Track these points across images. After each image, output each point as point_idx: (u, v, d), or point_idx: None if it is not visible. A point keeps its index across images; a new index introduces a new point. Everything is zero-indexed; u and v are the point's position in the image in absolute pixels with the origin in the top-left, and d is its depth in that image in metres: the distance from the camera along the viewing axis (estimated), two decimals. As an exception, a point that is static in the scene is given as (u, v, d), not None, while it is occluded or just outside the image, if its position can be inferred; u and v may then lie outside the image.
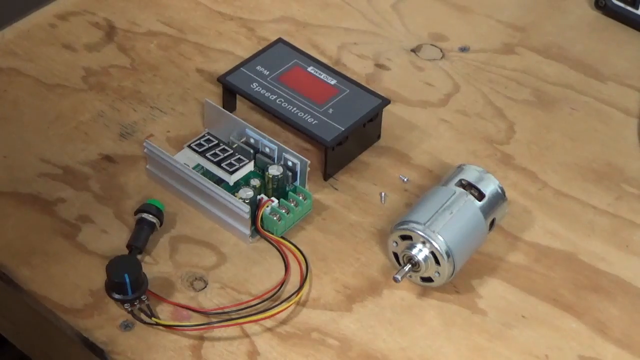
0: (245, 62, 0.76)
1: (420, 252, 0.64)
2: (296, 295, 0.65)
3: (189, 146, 0.71)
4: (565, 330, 0.65)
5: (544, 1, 0.88)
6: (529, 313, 0.66)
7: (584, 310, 0.66)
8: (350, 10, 0.86)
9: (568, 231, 0.71)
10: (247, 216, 0.67)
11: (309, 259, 0.67)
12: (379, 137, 0.75)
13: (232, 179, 0.69)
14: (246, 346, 0.63)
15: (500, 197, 0.68)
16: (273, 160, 0.71)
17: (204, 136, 0.71)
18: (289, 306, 0.65)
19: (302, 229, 0.69)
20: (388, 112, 0.75)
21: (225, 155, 0.70)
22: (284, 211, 0.68)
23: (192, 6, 0.85)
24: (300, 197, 0.69)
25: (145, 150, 0.71)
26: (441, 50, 0.83)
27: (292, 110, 0.72)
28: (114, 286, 0.63)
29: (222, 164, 0.69)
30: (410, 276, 0.66)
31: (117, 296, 0.63)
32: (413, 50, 0.83)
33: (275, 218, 0.67)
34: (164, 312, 0.64)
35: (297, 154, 0.70)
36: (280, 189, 0.69)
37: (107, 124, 0.75)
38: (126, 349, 0.62)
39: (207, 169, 0.70)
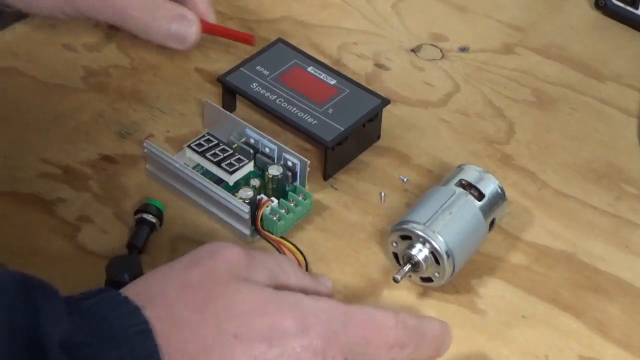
0: (245, 62, 0.76)
1: (420, 252, 0.64)
2: (296, 296, 0.65)
3: (189, 146, 0.71)
4: (565, 330, 0.65)
5: (544, 1, 0.88)
6: (529, 313, 0.66)
7: (584, 310, 0.66)
8: (350, 10, 0.86)
9: (568, 231, 0.71)
10: (247, 216, 0.67)
11: (309, 259, 0.67)
12: (378, 137, 0.75)
13: (232, 179, 0.69)
14: (246, 346, 0.63)
15: (500, 197, 0.68)
16: (273, 160, 0.71)
17: (203, 136, 0.71)
18: (288, 306, 0.65)
19: (302, 229, 0.69)
20: (388, 112, 0.75)
21: (225, 155, 0.70)
22: (283, 211, 0.68)
23: (192, 6, 0.85)
24: (300, 197, 0.69)
25: (145, 150, 0.71)
26: (441, 50, 0.83)
27: (292, 110, 0.72)
28: (114, 286, 0.63)
29: (222, 164, 0.69)
30: (410, 276, 0.65)
31: (117, 296, 0.63)
32: (413, 50, 0.83)
33: (275, 218, 0.67)
34: (164, 312, 0.64)
35: (297, 154, 0.70)
36: (280, 189, 0.69)
37: (107, 124, 0.75)
38: (126, 349, 0.62)
39: (207, 169, 0.70)
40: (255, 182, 0.69)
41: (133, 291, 0.51)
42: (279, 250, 0.67)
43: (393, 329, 0.54)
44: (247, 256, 0.54)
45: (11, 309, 0.46)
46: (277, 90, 0.74)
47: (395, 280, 0.64)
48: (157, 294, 0.51)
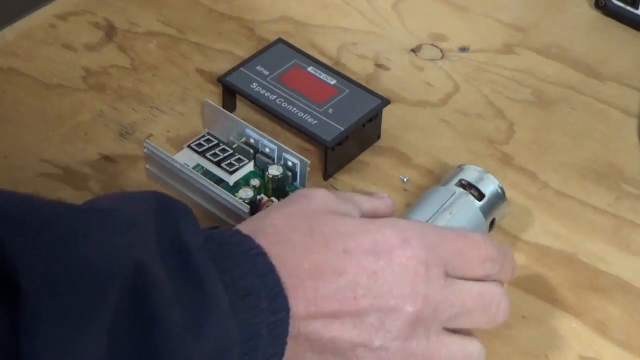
0: (245, 62, 0.76)
1: (420, 252, 0.64)
2: (296, 295, 0.65)
3: (189, 146, 0.71)
4: (565, 330, 0.65)
5: (544, 1, 0.88)
6: (529, 313, 0.66)
7: (584, 310, 0.66)
8: (350, 10, 0.86)
9: (568, 231, 0.71)
10: (247, 216, 0.67)
11: (309, 258, 0.67)
12: (378, 137, 0.75)
13: (232, 179, 0.69)
14: (246, 346, 0.63)
15: (500, 197, 0.68)
16: (273, 160, 0.71)
17: (203, 136, 0.71)
18: (289, 306, 0.65)
19: (302, 229, 0.69)
20: (388, 112, 0.75)
21: (225, 155, 0.70)
22: (283, 211, 0.68)
23: (192, 6, 0.85)
24: (300, 197, 0.69)
25: (145, 150, 0.71)
26: (441, 50, 0.83)
27: (292, 110, 0.72)
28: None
29: (222, 164, 0.69)
30: (410, 276, 0.65)
31: (117, 296, 0.63)
32: (413, 50, 0.83)
33: (275, 218, 0.67)
34: (164, 312, 0.64)
35: (297, 154, 0.70)
36: (280, 189, 0.69)
37: (107, 124, 0.75)
38: (126, 349, 0.62)
39: (207, 169, 0.70)
40: (255, 182, 0.69)
41: (241, 227, 0.55)
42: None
43: (483, 244, 0.57)
44: (335, 195, 0.58)
45: (155, 217, 0.50)
46: (277, 90, 0.74)
47: (396, 280, 0.64)
48: (264, 226, 0.55)
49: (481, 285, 0.57)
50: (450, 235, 0.57)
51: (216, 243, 0.52)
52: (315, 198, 0.57)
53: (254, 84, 0.74)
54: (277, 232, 0.54)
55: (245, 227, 0.55)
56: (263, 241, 0.53)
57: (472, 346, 0.57)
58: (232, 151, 0.70)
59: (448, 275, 0.56)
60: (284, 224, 0.55)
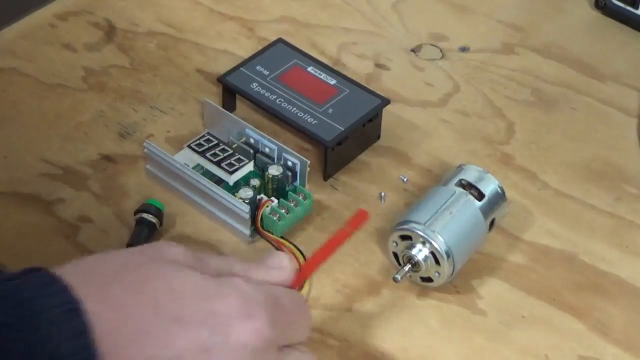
0: (245, 62, 0.76)
1: (420, 252, 0.64)
2: (296, 295, 0.65)
3: (189, 146, 0.71)
4: (565, 330, 0.65)
5: (543, 1, 0.89)
6: (529, 313, 0.66)
7: (584, 310, 0.66)
8: (350, 10, 0.86)
9: (568, 231, 0.71)
10: (247, 216, 0.67)
11: (309, 259, 0.67)
12: (378, 137, 0.75)
13: (231, 179, 0.69)
14: (246, 346, 0.63)
15: (500, 197, 0.68)
16: (273, 160, 0.71)
17: (203, 136, 0.71)
18: (288, 306, 0.65)
19: (302, 229, 0.69)
20: (388, 112, 0.75)
21: (225, 155, 0.70)
22: (283, 211, 0.68)
23: (192, 6, 0.85)
24: (300, 197, 0.69)
25: (145, 150, 0.71)
26: (441, 50, 0.83)
27: (292, 110, 0.72)
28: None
29: (222, 164, 0.69)
30: (410, 276, 0.66)
31: (117, 296, 0.63)
32: (413, 50, 0.83)
33: (275, 218, 0.67)
34: (164, 312, 0.64)
35: (297, 154, 0.70)
36: (280, 189, 0.69)
37: (107, 124, 0.75)
38: (126, 349, 0.62)
39: (207, 169, 0.70)
40: (255, 182, 0.69)
41: (70, 269, 0.48)
42: (279, 250, 0.67)
43: (308, 313, 0.55)
44: (193, 253, 0.52)
45: None
46: (277, 90, 0.74)
47: (395, 280, 0.64)
48: (94, 273, 0.48)
49: (302, 354, 0.54)
50: (287, 306, 0.52)
51: (16, 301, 0.46)
52: (164, 250, 0.50)
53: (254, 84, 0.74)
54: (104, 283, 0.48)
55: (75, 270, 0.48)
56: (84, 292, 0.46)
57: None
58: (232, 151, 0.70)
59: (279, 346, 0.52)
60: (115, 275, 0.48)
